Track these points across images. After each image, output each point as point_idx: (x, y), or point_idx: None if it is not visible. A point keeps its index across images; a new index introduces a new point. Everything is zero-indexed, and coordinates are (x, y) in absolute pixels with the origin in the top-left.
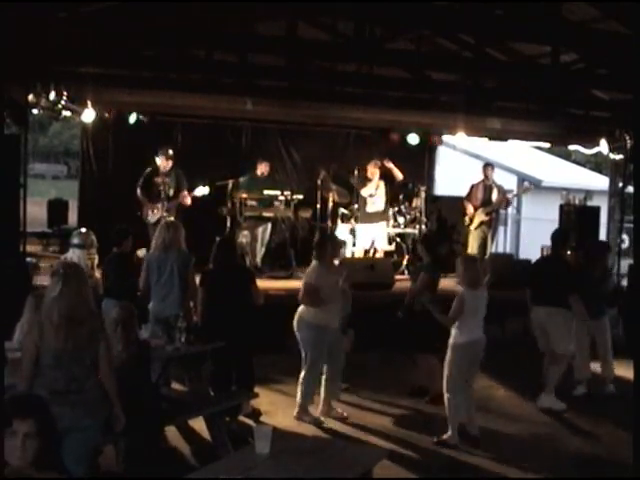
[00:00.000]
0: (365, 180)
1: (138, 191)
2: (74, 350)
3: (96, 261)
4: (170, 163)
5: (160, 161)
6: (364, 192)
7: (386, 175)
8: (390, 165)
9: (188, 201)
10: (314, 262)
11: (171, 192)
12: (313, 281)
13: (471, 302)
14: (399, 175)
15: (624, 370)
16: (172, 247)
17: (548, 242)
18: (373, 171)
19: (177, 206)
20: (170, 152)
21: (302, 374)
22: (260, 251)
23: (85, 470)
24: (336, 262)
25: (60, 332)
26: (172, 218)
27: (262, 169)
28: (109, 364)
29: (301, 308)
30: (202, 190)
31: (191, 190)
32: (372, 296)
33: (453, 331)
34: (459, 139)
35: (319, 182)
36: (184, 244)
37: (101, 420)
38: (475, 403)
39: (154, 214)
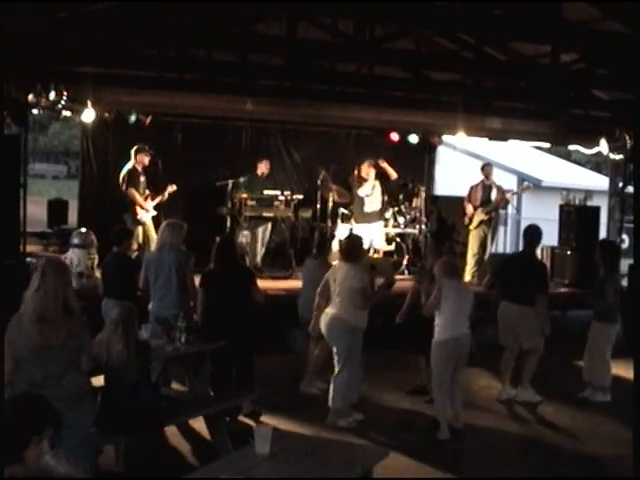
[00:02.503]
0: (361, 180)
1: (130, 190)
2: (49, 347)
3: (96, 261)
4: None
5: (143, 159)
6: (361, 192)
7: (381, 175)
8: (384, 165)
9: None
10: (352, 264)
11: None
12: (366, 283)
13: (451, 291)
14: (393, 174)
15: (624, 370)
16: (172, 247)
17: (548, 242)
18: (368, 171)
19: (160, 202)
20: (148, 148)
21: (339, 379)
22: (260, 251)
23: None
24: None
25: (34, 328)
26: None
27: (262, 168)
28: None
29: (333, 311)
30: (172, 187)
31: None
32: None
33: (436, 329)
34: (459, 139)
35: (319, 182)
36: (183, 244)
37: (81, 417)
38: (463, 398)
39: (147, 213)
